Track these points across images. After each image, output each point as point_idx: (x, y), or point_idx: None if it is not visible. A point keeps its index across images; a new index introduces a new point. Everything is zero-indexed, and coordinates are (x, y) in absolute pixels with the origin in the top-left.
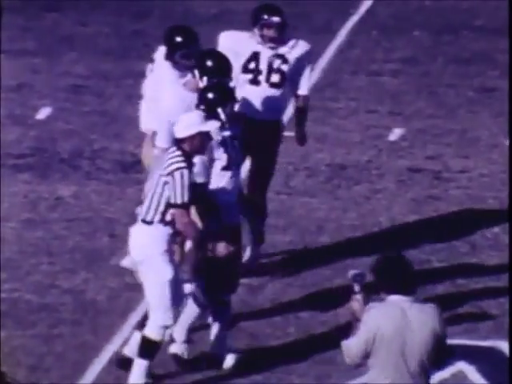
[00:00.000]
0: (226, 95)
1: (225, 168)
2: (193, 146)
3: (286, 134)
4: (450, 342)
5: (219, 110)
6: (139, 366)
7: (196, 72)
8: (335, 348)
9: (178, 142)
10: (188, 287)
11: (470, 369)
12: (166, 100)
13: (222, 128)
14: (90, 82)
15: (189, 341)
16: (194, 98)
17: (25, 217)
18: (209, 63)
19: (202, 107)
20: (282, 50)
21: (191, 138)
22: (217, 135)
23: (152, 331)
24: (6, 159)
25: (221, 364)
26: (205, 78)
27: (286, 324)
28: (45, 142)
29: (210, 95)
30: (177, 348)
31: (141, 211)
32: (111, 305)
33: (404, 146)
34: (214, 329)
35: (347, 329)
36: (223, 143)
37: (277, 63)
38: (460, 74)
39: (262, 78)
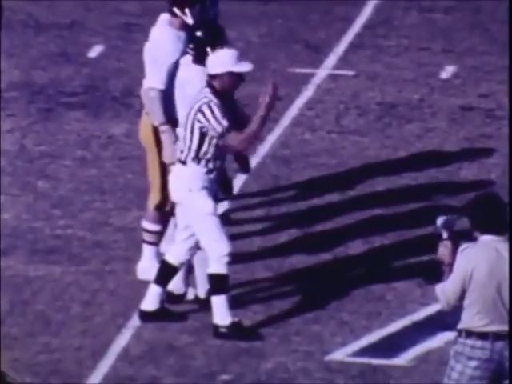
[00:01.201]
0: (216, 34)
1: None
2: (223, 85)
3: (337, 72)
4: None
5: (208, 50)
6: (219, 304)
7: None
8: (385, 286)
9: (209, 78)
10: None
11: None
12: (158, 41)
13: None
14: (142, 20)
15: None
16: (183, 35)
17: (78, 155)
18: None
19: (191, 46)
20: None
21: (221, 75)
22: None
23: (216, 266)
24: (58, 97)
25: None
26: (187, 11)
27: (337, 262)
28: (97, 80)
29: (199, 34)
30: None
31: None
32: None
33: (456, 84)
34: None
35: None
36: None
37: None
38: None
39: None
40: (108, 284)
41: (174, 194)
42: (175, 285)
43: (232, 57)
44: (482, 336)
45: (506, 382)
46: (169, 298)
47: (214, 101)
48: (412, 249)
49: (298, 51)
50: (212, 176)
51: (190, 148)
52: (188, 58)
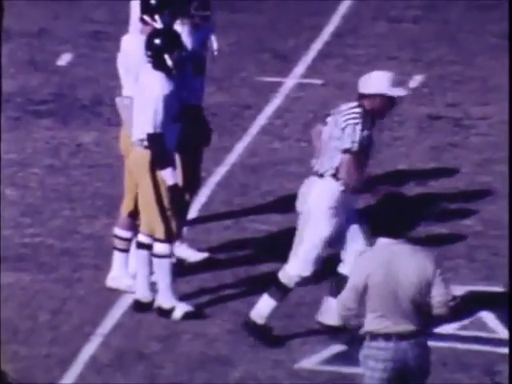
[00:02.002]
0: (173, 41)
1: None
2: (373, 106)
3: (306, 80)
4: (468, 288)
5: (166, 57)
6: (266, 305)
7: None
8: None
9: (359, 97)
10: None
11: (489, 316)
12: (130, 50)
13: (170, 75)
14: (111, 28)
15: None
16: None
17: (47, 163)
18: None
19: (149, 53)
20: None
21: (373, 96)
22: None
23: (286, 276)
24: (27, 105)
25: None
26: (157, 17)
27: None
28: (66, 88)
29: (157, 41)
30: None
31: (315, 163)
32: None
33: (424, 93)
34: None
35: None
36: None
37: None
38: (480, 20)
39: None
40: (76, 292)
41: (301, 201)
42: (142, 293)
43: (388, 79)
44: (386, 337)
45: (414, 381)
46: (136, 306)
47: (360, 122)
48: None
49: (267, 60)
50: (345, 195)
51: (329, 163)
52: (136, 26)
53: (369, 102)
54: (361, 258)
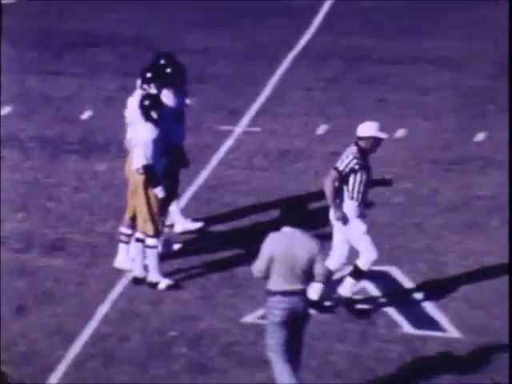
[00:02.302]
0: (156, 102)
1: None
2: (366, 146)
3: (248, 129)
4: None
5: (152, 113)
6: (351, 284)
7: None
8: None
9: (357, 139)
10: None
11: (371, 286)
12: (134, 107)
13: (156, 125)
14: (118, 94)
15: None
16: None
17: (73, 184)
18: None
19: (141, 110)
20: None
21: (367, 138)
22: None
23: (363, 264)
24: (62, 145)
25: None
26: (152, 85)
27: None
28: (87, 134)
29: (146, 102)
30: None
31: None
32: None
33: (328, 138)
34: None
35: None
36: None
37: None
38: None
39: None
40: (94, 271)
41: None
42: (138, 272)
43: (376, 127)
44: (283, 293)
45: (301, 324)
46: (134, 280)
47: (356, 156)
48: None
49: (223, 115)
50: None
51: (348, 189)
52: (138, 92)
53: (363, 142)
54: (271, 238)
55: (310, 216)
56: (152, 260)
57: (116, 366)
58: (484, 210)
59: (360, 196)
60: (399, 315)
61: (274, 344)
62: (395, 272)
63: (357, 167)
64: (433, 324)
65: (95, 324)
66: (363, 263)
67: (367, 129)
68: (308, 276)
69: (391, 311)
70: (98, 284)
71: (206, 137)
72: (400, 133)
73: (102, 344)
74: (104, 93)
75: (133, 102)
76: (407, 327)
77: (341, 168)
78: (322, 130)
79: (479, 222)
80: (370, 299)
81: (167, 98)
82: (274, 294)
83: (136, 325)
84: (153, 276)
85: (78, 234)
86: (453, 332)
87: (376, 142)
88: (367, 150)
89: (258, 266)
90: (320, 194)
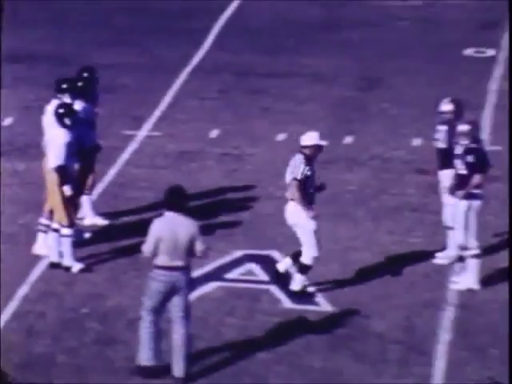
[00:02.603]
0: (69, 110)
1: None
2: (311, 153)
3: (151, 133)
4: (244, 252)
5: (66, 119)
6: (299, 279)
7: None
8: None
9: (302, 148)
10: None
11: (257, 267)
12: (50, 112)
13: (69, 130)
14: (36, 103)
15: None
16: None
17: None
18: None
19: (55, 117)
20: None
21: (312, 146)
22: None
23: (307, 260)
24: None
25: None
26: (66, 95)
27: None
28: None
29: (60, 110)
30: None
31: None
32: None
33: (223, 141)
34: None
35: None
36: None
37: None
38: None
39: None
40: (14, 254)
41: (291, 217)
42: (54, 257)
43: (317, 136)
44: (166, 268)
45: (183, 293)
46: (51, 265)
47: (306, 163)
48: None
49: (127, 120)
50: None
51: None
52: (54, 101)
53: (308, 150)
54: (158, 222)
55: (202, 207)
56: (66, 247)
57: (35, 339)
58: (351, 202)
59: (311, 196)
60: (281, 293)
61: (149, 304)
62: (277, 255)
63: (309, 173)
64: (309, 300)
65: (16, 303)
66: (307, 259)
67: (311, 138)
68: (189, 253)
69: (274, 289)
70: (19, 268)
71: (113, 140)
72: (281, 137)
73: (23, 320)
74: (23, 103)
75: (49, 110)
76: (287, 303)
77: (299, 177)
78: (213, 134)
79: (347, 213)
80: (255, 280)
81: (80, 106)
82: (159, 267)
83: (52, 303)
84: (67, 261)
85: (1, 224)
86: (325, 306)
87: (318, 148)
88: (312, 156)
89: (147, 247)
90: (210, 189)
